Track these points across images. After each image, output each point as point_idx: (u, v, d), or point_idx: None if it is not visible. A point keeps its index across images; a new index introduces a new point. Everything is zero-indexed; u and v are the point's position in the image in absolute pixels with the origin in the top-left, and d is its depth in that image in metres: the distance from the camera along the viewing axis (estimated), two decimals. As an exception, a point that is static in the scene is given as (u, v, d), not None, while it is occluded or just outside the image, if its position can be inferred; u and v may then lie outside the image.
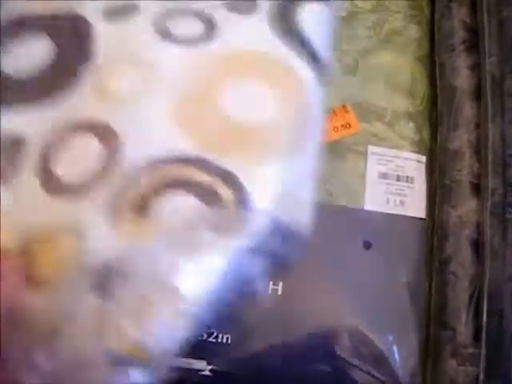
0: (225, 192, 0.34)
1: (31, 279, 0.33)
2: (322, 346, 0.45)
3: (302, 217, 0.37)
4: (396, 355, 0.45)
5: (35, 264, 0.34)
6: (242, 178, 0.35)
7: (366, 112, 0.50)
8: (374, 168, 0.48)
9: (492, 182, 0.47)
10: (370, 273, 0.47)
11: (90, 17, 0.42)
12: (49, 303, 0.33)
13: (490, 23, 0.51)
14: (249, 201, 0.34)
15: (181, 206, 0.34)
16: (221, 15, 0.42)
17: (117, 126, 0.37)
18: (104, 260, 0.33)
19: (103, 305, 0.32)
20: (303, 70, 0.40)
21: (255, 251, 0.35)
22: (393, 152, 0.49)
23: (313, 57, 0.41)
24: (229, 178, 0.35)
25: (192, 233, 0.33)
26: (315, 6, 0.44)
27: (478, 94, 0.50)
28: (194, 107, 0.38)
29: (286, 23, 0.42)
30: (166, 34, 0.41)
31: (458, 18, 0.53)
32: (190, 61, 0.40)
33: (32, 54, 0.41)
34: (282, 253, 0.36)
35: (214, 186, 0.35)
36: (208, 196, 0.34)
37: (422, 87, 0.52)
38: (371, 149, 0.48)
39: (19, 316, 0.33)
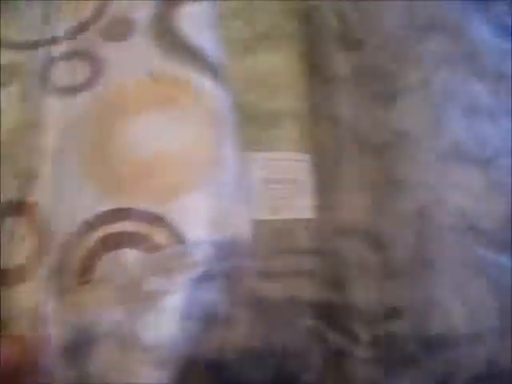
0: (158, 235, 0.35)
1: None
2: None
3: (240, 230, 0.37)
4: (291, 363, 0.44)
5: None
6: (170, 215, 0.35)
7: (243, 117, 0.45)
8: (256, 175, 0.45)
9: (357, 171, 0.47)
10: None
11: None
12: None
13: (360, 10, 0.51)
14: (183, 236, 0.35)
15: (122, 262, 0.34)
16: (101, 48, 0.41)
17: (37, 200, 0.36)
18: (69, 333, 0.33)
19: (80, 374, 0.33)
20: (201, 83, 0.40)
21: (206, 278, 0.36)
22: (274, 155, 0.47)
23: (206, 64, 0.41)
24: (158, 220, 0.35)
25: (141, 284, 0.34)
26: (194, 7, 0.43)
27: (356, 83, 0.49)
28: (100, 159, 0.37)
29: (168, 35, 0.41)
30: (51, 89, 0.40)
31: (331, 7, 0.52)
32: (83, 110, 0.39)
33: None
34: (230, 268, 0.38)
35: (146, 233, 0.35)
36: (144, 244, 0.35)
37: (302, 84, 0.50)
38: (251, 155, 0.45)
39: None
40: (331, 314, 0.44)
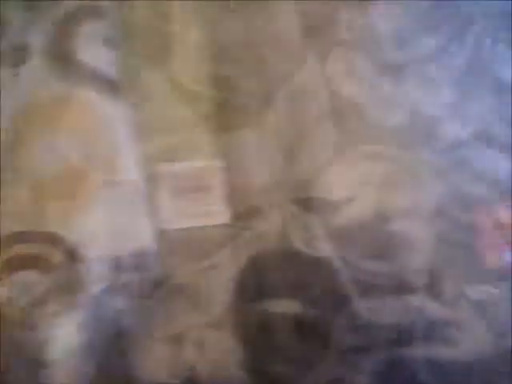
0: (57, 255, 0.35)
1: None
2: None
3: (144, 242, 0.37)
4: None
5: None
6: (67, 235, 0.35)
7: (150, 130, 0.43)
8: (168, 186, 0.43)
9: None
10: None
11: None
12: None
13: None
14: (81, 254, 0.35)
15: (23, 283, 0.34)
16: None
17: None
18: None
19: None
20: (98, 101, 0.40)
21: (108, 292, 0.36)
22: (187, 164, 0.44)
23: (103, 83, 0.40)
24: (56, 241, 0.35)
25: (43, 303, 0.34)
26: (91, 28, 0.43)
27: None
28: (6, 184, 0.37)
29: (63, 58, 0.41)
30: None
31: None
32: None
33: None
34: (140, 278, 0.37)
35: (45, 254, 0.35)
36: (44, 265, 0.35)
37: (211, 91, 0.46)
38: (162, 168, 0.43)
39: None
40: (325, 337, 0.39)
